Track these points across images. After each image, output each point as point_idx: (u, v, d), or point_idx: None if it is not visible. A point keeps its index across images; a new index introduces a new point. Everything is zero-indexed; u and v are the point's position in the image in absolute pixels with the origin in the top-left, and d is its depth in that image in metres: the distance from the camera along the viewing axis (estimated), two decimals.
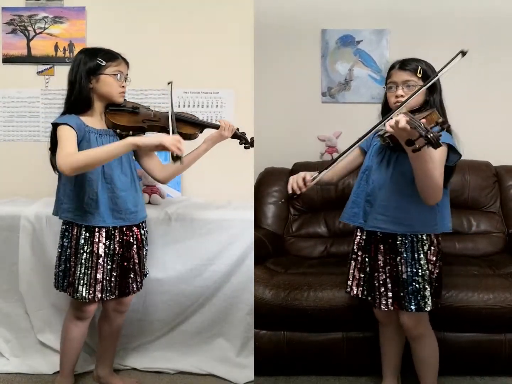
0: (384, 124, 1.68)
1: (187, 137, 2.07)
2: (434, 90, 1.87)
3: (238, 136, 2.18)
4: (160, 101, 2.84)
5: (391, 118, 1.71)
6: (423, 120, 1.54)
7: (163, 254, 2.37)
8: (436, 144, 1.44)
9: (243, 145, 2.20)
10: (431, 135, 1.43)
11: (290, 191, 1.85)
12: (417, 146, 1.47)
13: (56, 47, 2.81)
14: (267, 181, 3.13)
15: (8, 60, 2.81)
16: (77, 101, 1.94)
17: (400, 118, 1.55)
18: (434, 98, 1.87)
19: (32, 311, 2.39)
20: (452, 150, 1.78)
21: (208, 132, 2.16)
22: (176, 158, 1.80)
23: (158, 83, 2.78)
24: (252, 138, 2.21)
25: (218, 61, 2.81)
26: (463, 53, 1.75)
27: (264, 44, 3.13)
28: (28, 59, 2.81)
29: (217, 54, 2.81)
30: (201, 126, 2.15)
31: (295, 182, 1.83)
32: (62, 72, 2.81)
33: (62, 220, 2.04)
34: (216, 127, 2.13)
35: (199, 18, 2.82)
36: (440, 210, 1.88)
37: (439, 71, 1.80)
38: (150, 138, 1.86)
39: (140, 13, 2.81)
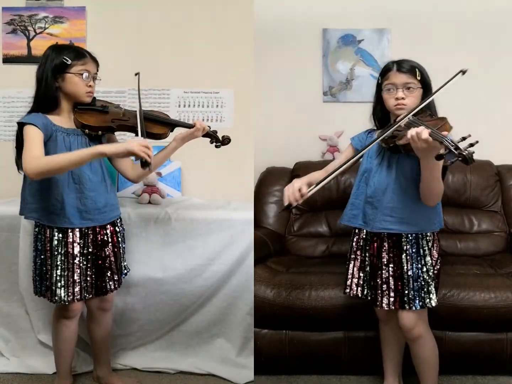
0: (392, 132, 1.73)
1: (157, 136, 2.06)
2: (429, 92, 1.88)
3: (209, 134, 2.13)
4: (160, 101, 2.84)
5: (400, 126, 1.74)
6: (445, 133, 1.56)
7: (163, 254, 2.37)
8: (470, 161, 1.44)
9: (213, 143, 2.14)
10: (466, 152, 1.44)
11: (286, 203, 1.84)
12: (448, 162, 1.48)
13: None
14: (269, 180, 3.13)
15: (8, 60, 2.81)
16: (44, 99, 1.91)
17: (422, 130, 1.58)
18: (431, 102, 1.87)
19: (32, 311, 2.39)
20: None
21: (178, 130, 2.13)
22: (145, 164, 1.79)
23: (158, 83, 2.80)
24: (225, 137, 2.15)
25: (218, 61, 2.81)
26: (463, 72, 1.80)
27: (264, 44, 3.12)
28: (29, 59, 2.81)
29: (217, 54, 2.81)
30: (171, 125, 2.11)
31: (291, 194, 1.81)
32: None
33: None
34: (187, 126, 2.09)
35: (199, 18, 2.82)
36: (438, 208, 1.93)
37: (438, 89, 1.82)
38: (118, 146, 1.83)
39: (140, 13, 2.81)
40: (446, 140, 1.50)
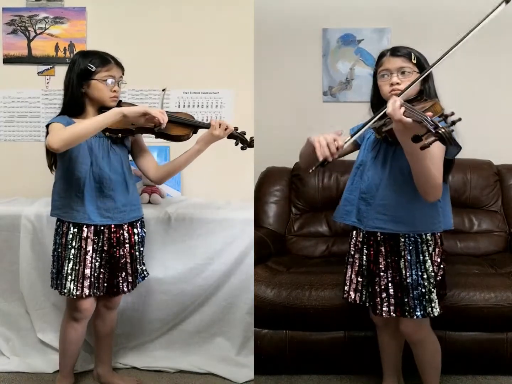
0: (380, 118, 1.60)
1: (178, 138, 2.05)
2: (429, 78, 1.76)
3: (234, 136, 2.09)
4: (160, 102, 2.84)
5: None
6: (429, 113, 1.41)
7: (163, 253, 2.37)
8: (449, 140, 1.30)
9: (239, 145, 2.12)
10: (442, 130, 1.30)
11: (321, 158, 1.57)
12: (426, 142, 1.32)
13: (56, 48, 2.81)
14: (269, 180, 3.13)
15: (8, 60, 2.82)
16: (71, 105, 1.96)
17: (395, 100, 1.47)
18: (429, 86, 1.77)
19: (33, 310, 2.39)
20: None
21: (202, 132, 2.10)
22: (158, 131, 1.86)
23: (158, 83, 2.79)
24: (251, 138, 2.13)
25: (218, 61, 2.81)
26: (507, 1, 1.60)
27: (264, 44, 3.12)
28: (29, 59, 2.82)
29: (217, 54, 2.81)
30: (193, 126, 2.09)
31: (326, 147, 1.56)
32: (62, 73, 2.78)
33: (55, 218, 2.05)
34: (207, 126, 2.06)
35: (199, 18, 2.82)
36: (442, 206, 1.79)
37: (480, 22, 1.64)
38: (136, 107, 1.88)
39: (140, 13, 2.82)
40: (425, 119, 1.36)
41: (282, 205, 3.06)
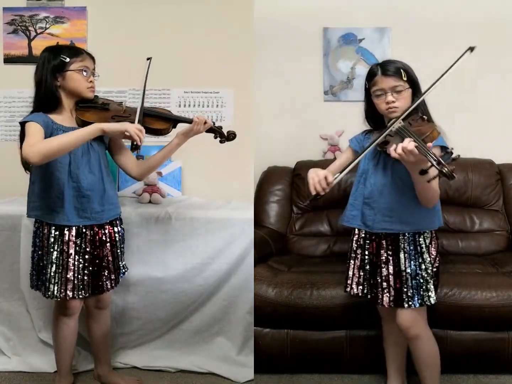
0: (385, 136, 1.75)
1: (158, 132, 2.06)
2: (418, 90, 1.88)
3: (213, 129, 2.11)
4: (160, 101, 2.85)
5: (393, 131, 1.75)
6: (429, 144, 1.59)
7: (163, 253, 2.38)
8: (451, 177, 1.49)
9: (218, 139, 2.13)
10: (446, 169, 1.48)
11: (313, 193, 1.79)
12: (431, 176, 1.52)
13: None
14: (270, 180, 3.13)
15: (9, 60, 2.82)
16: (45, 99, 1.93)
17: (407, 144, 1.60)
18: (418, 97, 1.85)
19: (33, 310, 2.39)
20: (443, 150, 1.79)
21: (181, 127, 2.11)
22: (135, 147, 1.85)
23: (159, 83, 2.80)
24: (230, 132, 2.13)
25: (218, 61, 2.81)
26: (472, 49, 1.76)
27: (265, 43, 3.13)
28: (30, 59, 2.81)
29: (218, 53, 2.81)
30: (173, 120, 2.10)
31: (317, 183, 1.77)
32: None
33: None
34: (189, 121, 2.07)
35: (199, 18, 2.83)
36: (436, 206, 1.93)
37: (449, 68, 1.77)
38: (116, 124, 1.88)
39: (141, 13, 2.82)
40: (429, 155, 1.53)
41: (283, 205, 3.06)
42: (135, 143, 1.83)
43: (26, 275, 2.32)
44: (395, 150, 1.63)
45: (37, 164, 1.79)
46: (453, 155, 1.51)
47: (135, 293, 2.36)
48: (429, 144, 1.60)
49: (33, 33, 2.81)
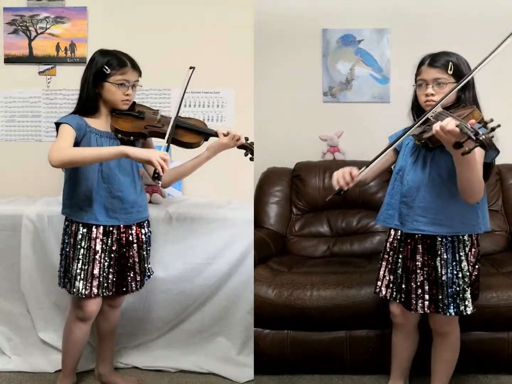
0: (420, 125, 1.67)
1: (188, 145, 2.05)
2: (466, 86, 1.78)
3: (245, 146, 2.09)
4: (160, 101, 2.84)
5: (429, 120, 1.69)
6: (472, 121, 1.47)
7: (164, 253, 2.38)
8: (489, 146, 1.38)
9: (248, 156, 2.11)
10: (483, 137, 1.38)
11: (337, 187, 1.76)
12: (466, 149, 1.41)
13: (57, 47, 2.81)
14: (270, 181, 3.13)
15: (9, 60, 2.82)
16: (85, 104, 1.97)
17: (448, 122, 1.51)
18: (466, 94, 1.80)
19: (34, 310, 2.39)
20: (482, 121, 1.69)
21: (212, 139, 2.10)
22: (157, 176, 1.79)
23: (159, 83, 2.80)
24: (251, 144, 2.11)
25: (218, 61, 2.81)
26: None
27: (264, 44, 3.12)
28: (30, 59, 2.82)
29: (218, 54, 2.81)
30: (205, 134, 2.08)
31: (341, 177, 1.75)
32: (63, 72, 2.84)
33: (64, 217, 2.06)
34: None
35: (199, 18, 2.82)
36: (480, 208, 1.84)
37: (493, 51, 1.71)
38: (142, 151, 1.85)
39: (141, 13, 2.82)
40: (465, 127, 1.43)
41: (283, 206, 3.06)
42: (157, 171, 1.80)
43: (27, 275, 2.34)
44: (434, 128, 1.55)
45: (56, 168, 1.82)
46: (492, 125, 1.40)
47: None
48: (472, 121, 1.47)
49: (33, 33, 2.81)
